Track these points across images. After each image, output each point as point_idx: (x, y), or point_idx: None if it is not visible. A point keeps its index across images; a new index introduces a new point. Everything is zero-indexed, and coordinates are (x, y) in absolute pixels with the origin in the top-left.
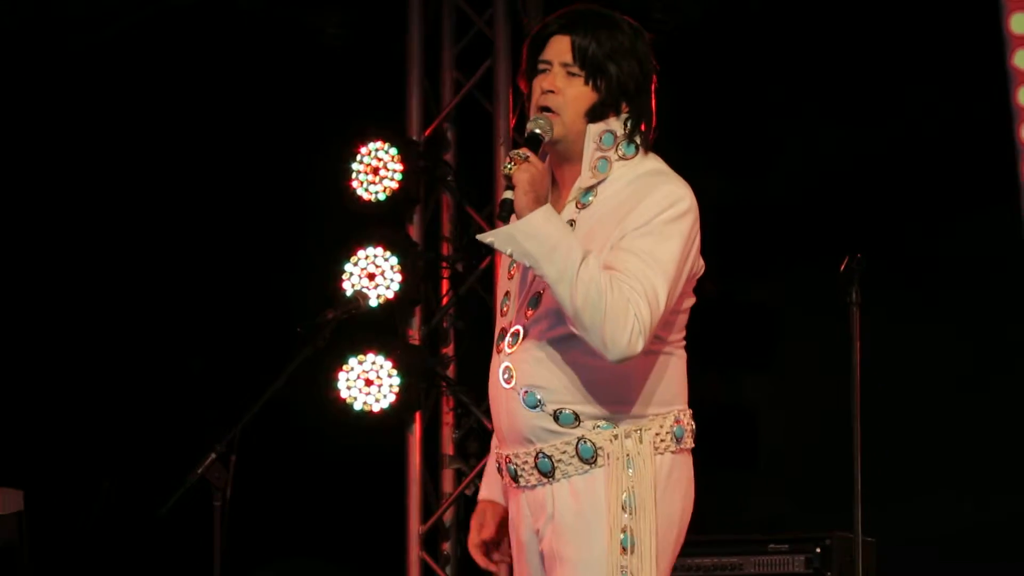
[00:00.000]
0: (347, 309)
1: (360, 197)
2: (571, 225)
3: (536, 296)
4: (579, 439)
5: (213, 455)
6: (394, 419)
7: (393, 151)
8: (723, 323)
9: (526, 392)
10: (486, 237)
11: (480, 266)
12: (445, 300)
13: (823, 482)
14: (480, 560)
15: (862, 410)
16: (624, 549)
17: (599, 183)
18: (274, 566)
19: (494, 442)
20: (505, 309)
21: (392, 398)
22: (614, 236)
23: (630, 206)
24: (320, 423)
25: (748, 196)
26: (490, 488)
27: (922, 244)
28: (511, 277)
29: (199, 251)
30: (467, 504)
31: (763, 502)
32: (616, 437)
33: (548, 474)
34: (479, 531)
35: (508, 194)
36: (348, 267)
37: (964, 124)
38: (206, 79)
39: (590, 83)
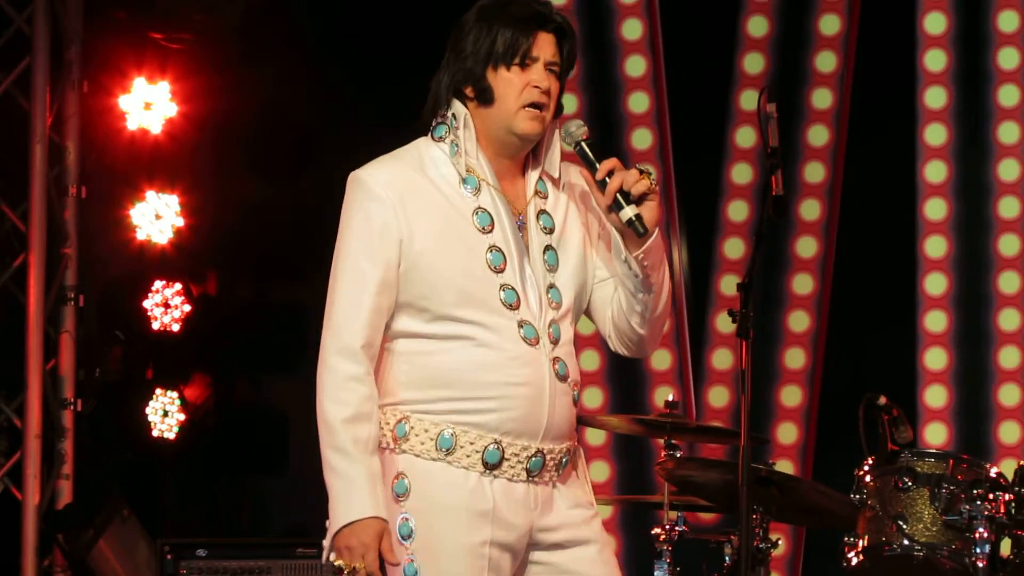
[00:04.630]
0: None
1: None
2: (547, 216)
3: (553, 288)
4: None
5: None
6: None
7: None
8: (255, 325)
9: (575, 388)
10: (640, 253)
11: (13, 264)
12: None
13: None
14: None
15: None
16: None
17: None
18: None
19: (359, 447)
20: (513, 303)
21: None
22: (593, 222)
23: (584, 191)
24: None
25: (284, 196)
26: (380, 503)
27: None
28: (500, 271)
29: None
30: None
31: (294, 506)
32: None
33: (560, 471)
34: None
35: (633, 210)
36: None
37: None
38: None
39: (561, 82)
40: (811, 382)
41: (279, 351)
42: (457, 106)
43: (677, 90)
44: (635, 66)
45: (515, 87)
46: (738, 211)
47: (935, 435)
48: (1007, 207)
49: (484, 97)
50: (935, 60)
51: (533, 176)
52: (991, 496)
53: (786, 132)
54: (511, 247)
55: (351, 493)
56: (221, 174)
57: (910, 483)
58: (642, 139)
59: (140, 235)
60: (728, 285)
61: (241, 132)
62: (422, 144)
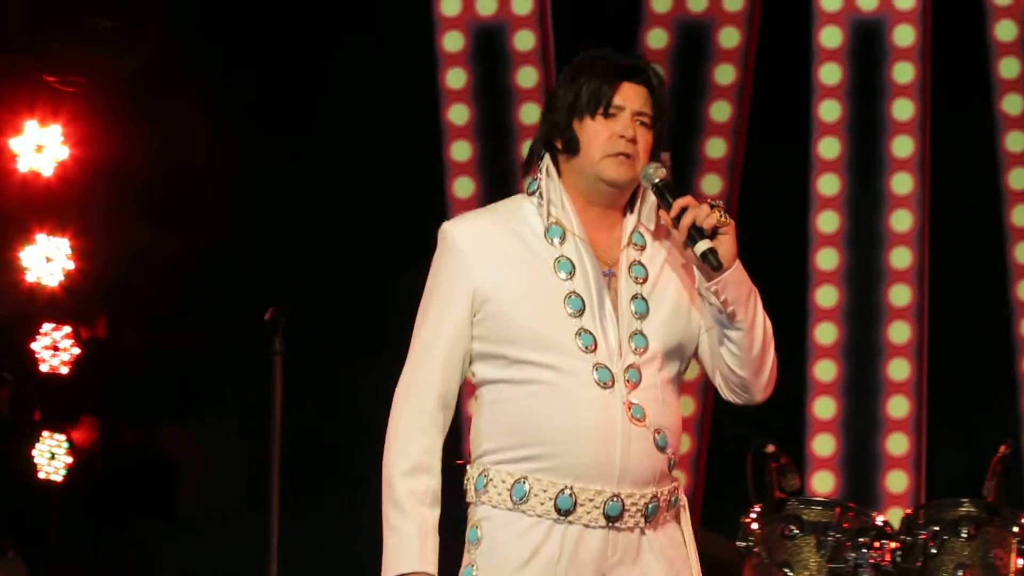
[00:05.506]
0: None
1: None
2: (640, 267)
3: (638, 334)
4: (676, 487)
5: None
6: None
7: None
8: (144, 369)
9: (658, 433)
10: (712, 286)
11: None
12: None
13: (243, 533)
14: None
15: (282, 459)
16: None
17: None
18: None
19: (415, 499)
20: (592, 346)
21: None
22: (686, 275)
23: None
24: None
25: (175, 241)
26: (429, 557)
27: (348, 296)
28: (578, 316)
29: None
30: None
31: (181, 552)
32: (679, 488)
33: (649, 518)
34: None
35: (707, 244)
36: None
37: (397, 180)
38: None
39: (654, 133)
40: (700, 430)
41: (168, 395)
42: (545, 158)
43: None
44: (529, 114)
45: (600, 136)
46: None
47: (822, 483)
48: (898, 257)
49: (571, 147)
50: (829, 110)
51: (628, 227)
52: (877, 544)
53: (680, 181)
54: (592, 294)
55: (400, 546)
56: (112, 218)
57: (797, 531)
58: None
59: (30, 277)
60: None
61: (133, 176)
62: (517, 198)
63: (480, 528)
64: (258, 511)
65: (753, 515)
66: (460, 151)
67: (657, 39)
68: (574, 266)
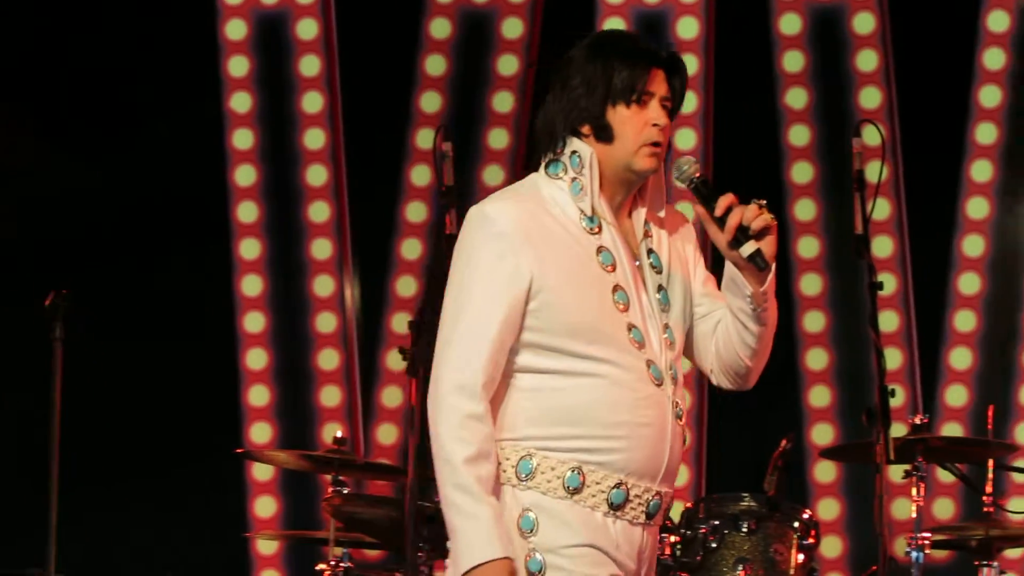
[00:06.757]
0: None
1: None
2: (655, 255)
3: (668, 328)
4: None
5: None
6: None
7: None
8: None
9: (687, 431)
10: (764, 288)
11: None
12: None
13: (17, 517)
14: None
15: (62, 444)
16: None
17: None
18: None
19: (483, 486)
20: (640, 343)
21: None
22: (688, 258)
23: (682, 227)
24: None
25: None
26: (507, 544)
27: (134, 280)
28: (625, 310)
29: None
30: None
31: None
32: None
33: (664, 518)
34: None
35: (753, 245)
36: None
37: (179, 166)
38: None
39: (671, 117)
40: None
41: None
42: (578, 144)
43: (354, 127)
44: (312, 102)
45: (634, 125)
46: (411, 249)
47: None
48: None
49: (603, 135)
50: None
51: (641, 215)
52: None
53: (461, 171)
54: (631, 286)
55: (480, 533)
56: None
57: None
58: (317, 175)
59: None
60: (399, 323)
61: None
62: (539, 180)
63: (533, 514)
64: (38, 496)
65: None
66: (242, 139)
67: (440, 29)
68: (614, 257)
